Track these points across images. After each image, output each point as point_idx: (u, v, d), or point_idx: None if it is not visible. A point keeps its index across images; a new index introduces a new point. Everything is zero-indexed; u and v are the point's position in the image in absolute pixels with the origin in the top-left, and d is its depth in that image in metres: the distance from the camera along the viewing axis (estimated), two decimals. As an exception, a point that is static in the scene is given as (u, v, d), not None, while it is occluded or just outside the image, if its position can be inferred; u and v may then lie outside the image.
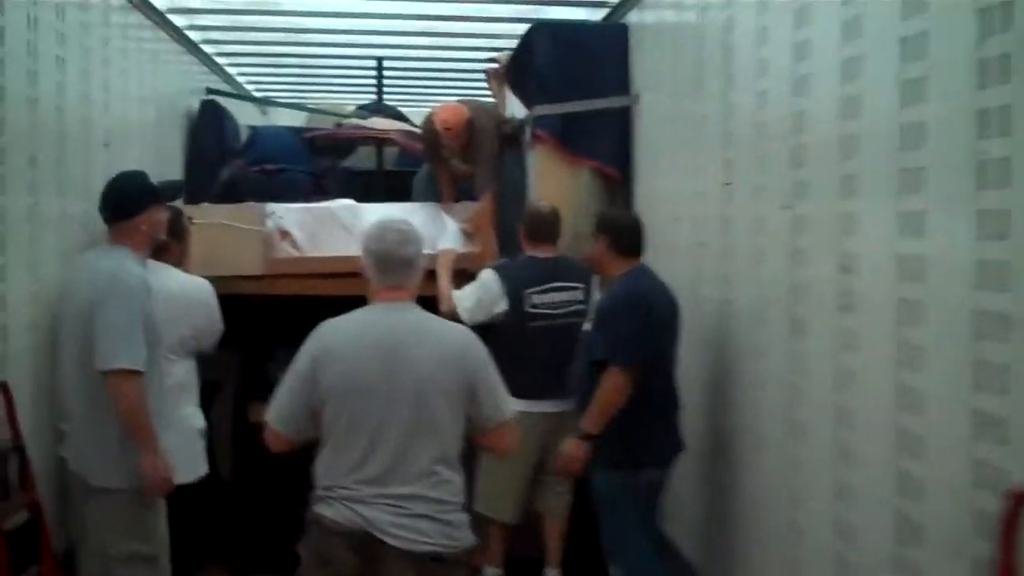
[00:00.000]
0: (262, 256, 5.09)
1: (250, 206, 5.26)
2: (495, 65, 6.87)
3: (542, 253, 4.65)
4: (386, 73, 7.63)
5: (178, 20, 6.09)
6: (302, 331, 3.02)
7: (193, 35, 6.57)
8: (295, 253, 5.15)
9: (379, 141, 7.02)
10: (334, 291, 5.05)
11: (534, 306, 4.57)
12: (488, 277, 4.62)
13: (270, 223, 5.17)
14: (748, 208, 3.70)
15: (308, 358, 2.89)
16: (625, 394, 3.73)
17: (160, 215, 3.66)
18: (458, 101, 5.99)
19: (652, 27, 5.14)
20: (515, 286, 4.57)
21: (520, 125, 5.81)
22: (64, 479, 3.66)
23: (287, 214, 5.20)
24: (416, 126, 7.18)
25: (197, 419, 4.19)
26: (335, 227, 5.18)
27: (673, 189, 4.72)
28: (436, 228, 5.23)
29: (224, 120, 6.80)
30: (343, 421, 2.82)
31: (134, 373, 3.32)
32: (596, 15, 5.91)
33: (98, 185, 3.72)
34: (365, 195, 6.19)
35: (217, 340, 4.31)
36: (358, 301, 3.07)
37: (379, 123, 7.09)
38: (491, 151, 5.63)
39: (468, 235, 5.28)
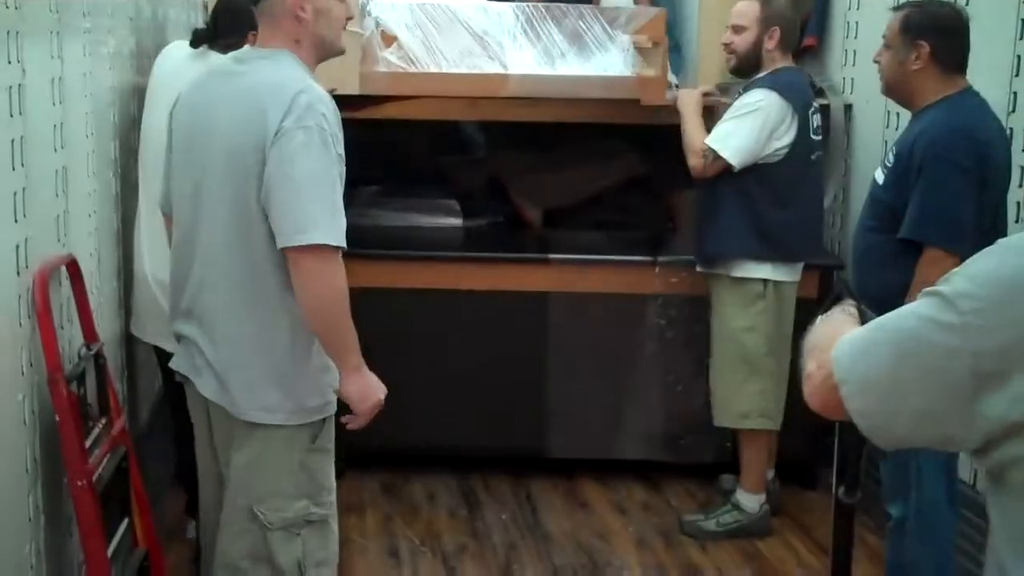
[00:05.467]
0: (357, 71, 3.67)
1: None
2: None
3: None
4: None
5: None
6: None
7: None
8: (404, 67, 3.76)
9: None
10: (449, 114, 4.03)
11: (815, 132, 3.51)
12: (769, 99, 3.40)
13: (367, 23, 3.74)
14: None
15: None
16: None
17: None
18: None
19: None
20: (802, 105, 3.45)
21: None
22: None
23: (389, 12, 3.79)
24: None
25: None
26: (459, 32, 3.80)
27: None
28: (593, 39, 3.89)
29: None
30: None
31: (335, 251, 2.15)
32: None
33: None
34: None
35: None
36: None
37: None
38: None
39: (644, 52, 3.85)
